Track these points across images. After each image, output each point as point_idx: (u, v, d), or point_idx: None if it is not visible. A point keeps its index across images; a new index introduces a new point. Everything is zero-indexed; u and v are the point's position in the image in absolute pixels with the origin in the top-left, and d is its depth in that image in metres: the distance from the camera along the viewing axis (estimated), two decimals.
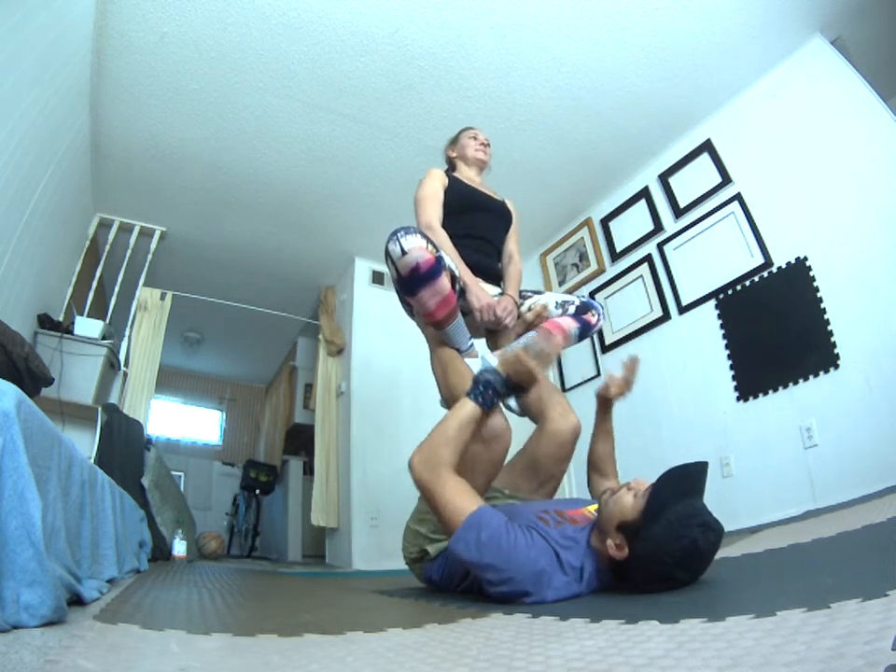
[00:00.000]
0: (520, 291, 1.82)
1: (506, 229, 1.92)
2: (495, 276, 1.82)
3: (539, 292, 1.84)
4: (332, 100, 2.74)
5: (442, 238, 1.63)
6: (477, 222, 1.80)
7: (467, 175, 1.94)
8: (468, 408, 1.19)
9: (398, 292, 1.52)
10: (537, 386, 1.40)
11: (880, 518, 1.29)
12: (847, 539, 1.20)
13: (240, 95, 2.68)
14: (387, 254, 1.37)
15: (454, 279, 1.53)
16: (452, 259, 1.56)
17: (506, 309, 1.64)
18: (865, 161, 2.24)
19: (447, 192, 1.79)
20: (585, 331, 1.75)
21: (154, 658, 0.64)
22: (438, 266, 1.38)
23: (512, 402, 1.61)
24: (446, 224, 1.73)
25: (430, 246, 1.39)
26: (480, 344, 1.67)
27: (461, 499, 1.06)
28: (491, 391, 1.21)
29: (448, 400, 1.55)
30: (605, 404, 1.57)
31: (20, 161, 1.99)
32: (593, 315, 1.75)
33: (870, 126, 2.26)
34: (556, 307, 1.75)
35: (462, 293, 1.60)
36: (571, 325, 1.69)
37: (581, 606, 0.90)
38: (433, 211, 1.71)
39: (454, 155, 2.02)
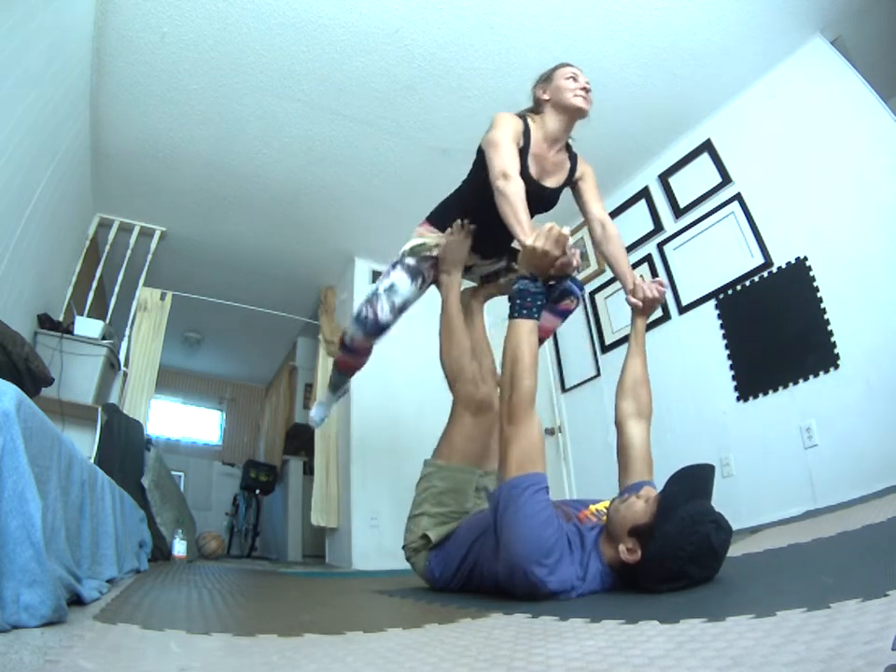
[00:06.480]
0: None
1: (541, 211, 1.69)
2: (501, 251, 1.83)
3: None
4: (332, 100, 2.73)
5: (514, 191, 1.39)
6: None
7: (550, 129, 1.62)
8: (525, 328, 1.19)
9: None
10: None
11: (880, 518, 1.29)
12: (847, 539, 1.20)
13: (240, 95, 2.68)
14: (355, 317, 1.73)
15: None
16: (518, 216, 1.36)
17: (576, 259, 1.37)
18: (865, 161, 2.24)
19: None
20: (563, 317, 1.84)
21: (154, 658, 0.64)
22: (364, 354, 1.90)
23: None
24: (476, 189, 1.62)
25: (371, 341, 1.78)
26: None
27: (537, 451, 1.11)
28: (529, 297, 1.22)
29: (445, 368, 1.66)
30: (635, 312, 1.59)
31: (20, 162, 1.99)
32: (571, 302, 1.79)
33: (870, 126, 2.26)
34: None
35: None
36: (554, 322, 1.80)
37: (581, 606, 0.90)
38: (509, 157, 1.47)
39: (545, 98, 1.64)
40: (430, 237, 1.77)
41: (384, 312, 1.66)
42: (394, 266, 1.75)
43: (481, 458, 1.54)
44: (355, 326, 1.74)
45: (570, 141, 1.72)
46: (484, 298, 2.01)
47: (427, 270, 1.77)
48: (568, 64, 1.67)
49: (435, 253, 1.76)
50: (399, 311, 1.71)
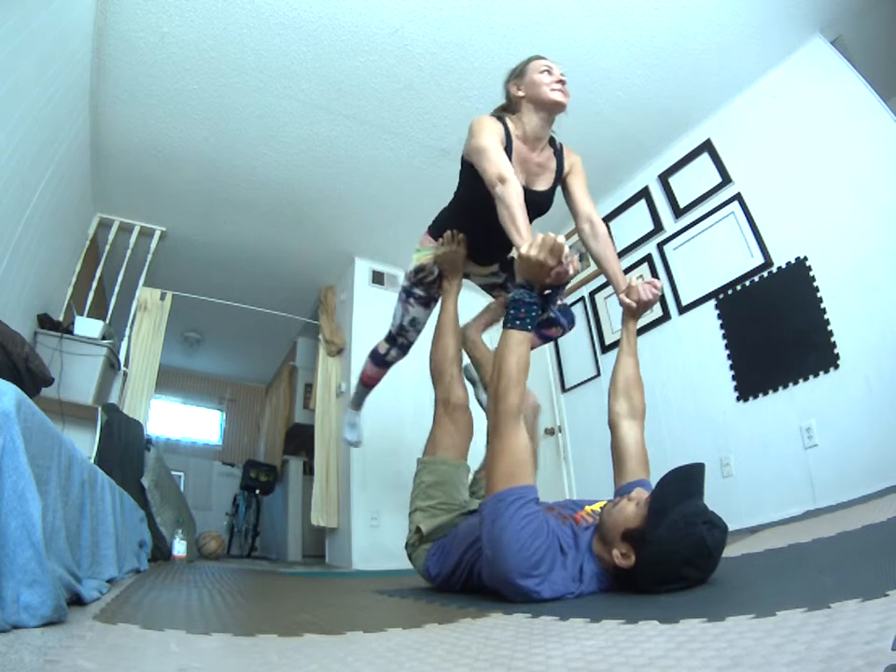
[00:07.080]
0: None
1: (535, 216, 1.61)
2: (496, 258, 1.83)
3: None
4: (332, 100, 2.73)
5: (512, 194, 1.34)
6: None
7: (530, 128, 1.57)
8: (514, 339, 1.15)
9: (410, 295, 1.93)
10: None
11: (880, 518, 1.29)
12: (847, 539, 1.20)
13: (240, 95, 2.68)
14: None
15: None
16: (515, 223, 1.33)
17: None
18: (865, 161, 2.24)
19: None
20: (545, 341, 1.93)
21: (154, 658, 0.64)
22: (391, 365, 2.12)
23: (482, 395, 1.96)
24: (464, 201, 1.68)
25: (402, 355, 2.06)
26: None
27: (523, 464, 1.09)
28: (523, 308, 1.17)
29: (430, 369, 1.73)
30: (628, 313, 1.55)
31: (20, 161, 1.99)
32: (557, 331, 1.88)
33: (870, 126, 2.26)
34: None
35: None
36: (535, 342, 1.81)
37: (581, 606, 0.90)
38: (501, 160, 1.42)
39: (520, 94, 1.59)
40: (428, 252, 1.84)
41: (413, 338, 2.01)
42: (407, 295, 1.92)
43: (467, 453, 1.61)
44: (395, 349, 2.04)
45: (552, 134, 1.65)
46: (485, 327, 2.05)
47: (436, 291, 1.90)
48: (540, 57, 1.61)
49: (436, 273, 1.86)
50: (420, 331, 2.02)
